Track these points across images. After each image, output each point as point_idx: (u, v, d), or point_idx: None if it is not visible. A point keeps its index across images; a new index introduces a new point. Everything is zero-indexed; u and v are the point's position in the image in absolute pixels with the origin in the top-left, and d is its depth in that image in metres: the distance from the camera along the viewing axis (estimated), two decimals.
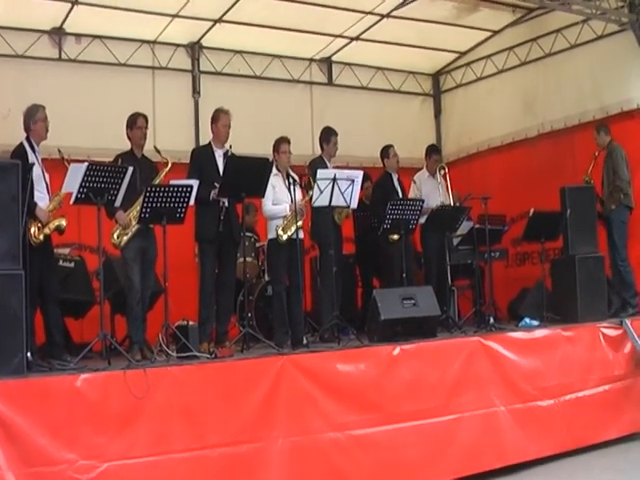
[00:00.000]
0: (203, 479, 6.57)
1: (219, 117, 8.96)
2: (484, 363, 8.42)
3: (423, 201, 9.97)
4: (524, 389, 8.61)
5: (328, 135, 10.27)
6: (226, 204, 8.64)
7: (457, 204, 11.21)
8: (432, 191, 11.18)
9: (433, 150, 11.97)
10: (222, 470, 6.69)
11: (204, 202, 8.48)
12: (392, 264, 10.32)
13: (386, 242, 10.17)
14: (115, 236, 8.18)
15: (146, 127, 8.66)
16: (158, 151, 8.48)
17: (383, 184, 10.97)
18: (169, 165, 8.45)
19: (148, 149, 8.64)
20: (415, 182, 11.34)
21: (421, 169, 11.65)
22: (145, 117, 8.67)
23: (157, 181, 8.30)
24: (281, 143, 9.32)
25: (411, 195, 11.04)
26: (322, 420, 7.29)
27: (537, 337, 9.07)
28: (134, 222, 8.10)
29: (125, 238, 8.18)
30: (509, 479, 8.09)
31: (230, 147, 8.80)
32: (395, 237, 10.01)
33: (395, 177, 11.06)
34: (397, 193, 10.84)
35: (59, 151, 7.94)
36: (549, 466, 8.38)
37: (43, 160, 8.15)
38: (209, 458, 6.62)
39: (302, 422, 7.17)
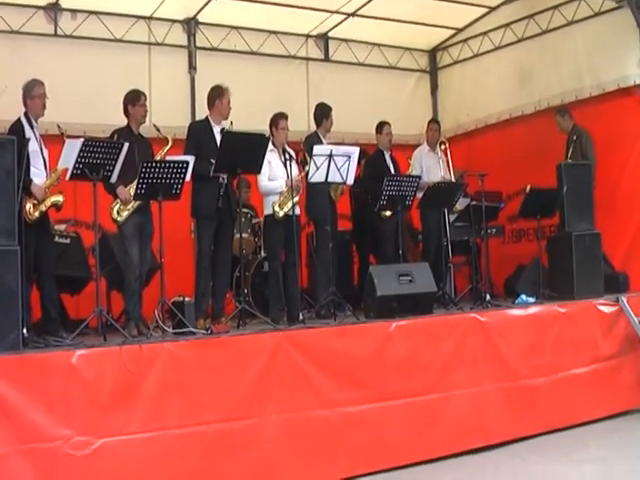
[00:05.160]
0: (198, 455, 6.60)
1: (224, 93, 8.90)
2: (479, 340, 8.42)
3: (420, 177, 9.95)
4: (516, 367, 8.60)
5: (327, 111, 10.31)
6: (225, 180, 8.61)
7: (456, 180, 11.20)
8: (433, 166, 11.19)
9: (431, 120, 12.06)
10: (217, 446, 6.72)
11: (203, 178, 8.43)
12: (386, 240, 10.37)
13: (379, 218, 10.18)
14: (115, 211, 8.17)
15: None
16: (158, 129, 8.42)
17: (374, 161, 10.98)
18: (170, 143, 8.41)
19: (143, 126, 8.63)
20: (416, 157, 11.31)
21: (418, 145, 11.65)
22: (145, 95, 8.65)
23: (158, 159, 8.25)
24: (279, 119, 9.30)
25: (411, 170, 10.93)
26: (314, 397, 7.31)
27: (533, 313, 9.08)
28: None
29: (125, 213, 8.17)
30: (502, 452, 8.12)
31: (232, 124, 8.77)
32: (388, 213, 10.05)
33: (387, 154, 11.03)
34: (389, 170, 10.80)
35: (59, 127, 7.89)
36: (545, 442, 8.41)
37: (41, 136, 8.12)
38: (204, 434, 6.66)
39: (295, 398, 7.20)
